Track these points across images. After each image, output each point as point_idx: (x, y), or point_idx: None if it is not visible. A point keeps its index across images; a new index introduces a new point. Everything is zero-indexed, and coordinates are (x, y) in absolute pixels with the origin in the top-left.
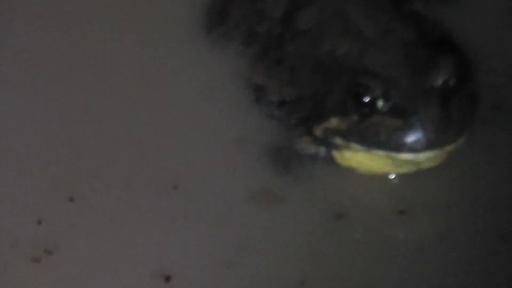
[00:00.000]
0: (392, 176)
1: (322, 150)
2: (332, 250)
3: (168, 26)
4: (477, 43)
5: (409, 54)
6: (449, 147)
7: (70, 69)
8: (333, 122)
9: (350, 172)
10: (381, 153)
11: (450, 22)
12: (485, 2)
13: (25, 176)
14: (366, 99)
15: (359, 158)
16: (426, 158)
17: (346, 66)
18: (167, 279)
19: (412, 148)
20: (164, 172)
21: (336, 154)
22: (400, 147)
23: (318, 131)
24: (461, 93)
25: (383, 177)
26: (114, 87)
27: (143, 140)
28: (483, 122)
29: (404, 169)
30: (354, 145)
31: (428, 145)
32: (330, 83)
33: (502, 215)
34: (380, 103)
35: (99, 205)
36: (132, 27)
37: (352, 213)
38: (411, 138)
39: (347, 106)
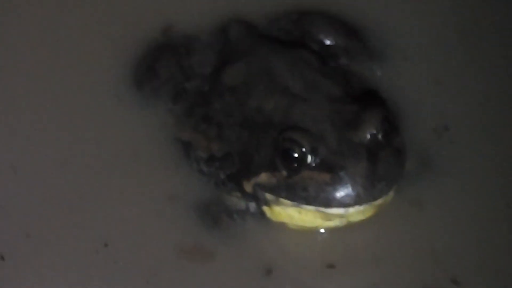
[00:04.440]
0: (322, 230)
1: (252, 205)
2: None
3: (96, 83)
4: (404, 98)
5: (336, 110)
6: (378, 201)
7: None
8: (263, 177)
9: (280, 226)
10: (310, 208)
11: (377, 77)
12: (411, 58)
13: None
14: (295, 155)
15: (289, 213)
16: (355, 212)
17: (274, 122)
18: None
19: (341, 203)
20: (94, 230)
21: (266, 209)
22: (330, 202)
23: (248, 187)
24: (388, 148)
25: (313, 231)
26: (42, 145)
27: (73, 197)
28: (411, 176)
29: (333, 223)
30: (283, 201)
31: (357, 200)
32: (259, 139)
33: (428, 269)
34: (309, 159)
35: (29, 265)
36: (60, 84)
37: (281, 268)
38: (340, 193)
39: (275, 162)
